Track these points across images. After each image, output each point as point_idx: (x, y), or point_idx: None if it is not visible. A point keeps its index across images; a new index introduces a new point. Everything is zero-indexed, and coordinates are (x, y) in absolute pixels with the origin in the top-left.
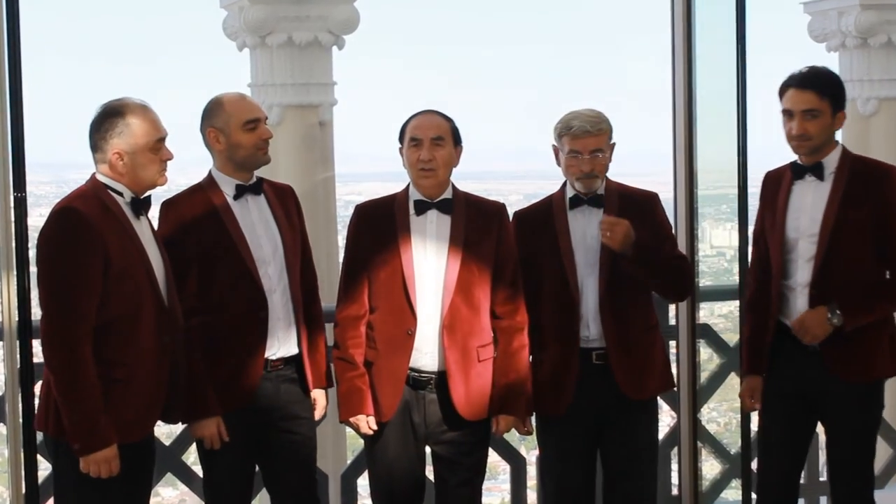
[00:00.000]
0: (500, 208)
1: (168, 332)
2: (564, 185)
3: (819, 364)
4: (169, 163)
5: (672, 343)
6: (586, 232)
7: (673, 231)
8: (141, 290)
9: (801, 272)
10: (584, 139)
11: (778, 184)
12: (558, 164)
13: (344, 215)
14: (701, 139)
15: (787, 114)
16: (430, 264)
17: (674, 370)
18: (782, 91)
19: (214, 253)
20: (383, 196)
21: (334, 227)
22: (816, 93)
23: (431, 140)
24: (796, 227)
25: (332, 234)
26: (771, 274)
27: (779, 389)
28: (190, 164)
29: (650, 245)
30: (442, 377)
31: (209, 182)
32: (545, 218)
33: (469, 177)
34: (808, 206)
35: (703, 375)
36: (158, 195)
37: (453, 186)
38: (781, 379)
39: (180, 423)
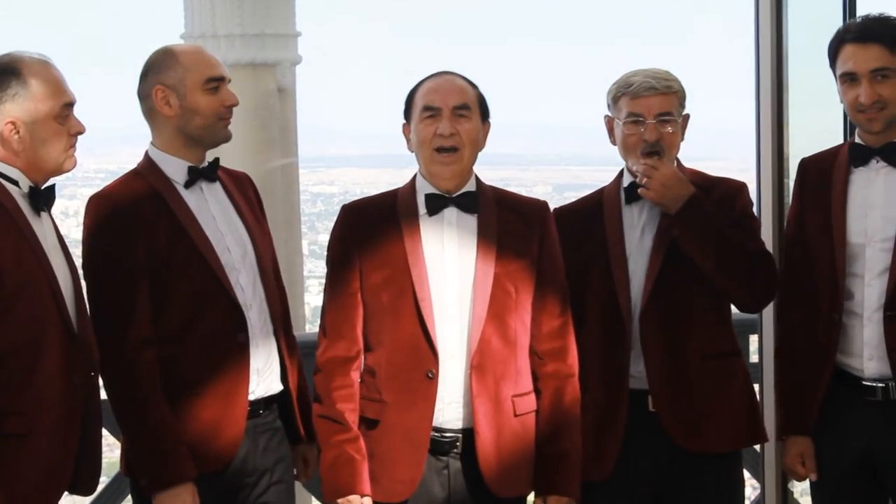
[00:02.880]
0: (542, 209)
1: (79, 370)
2: (621, 173)
3: (891, 420)
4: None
5: (755, 387)
6: (646, 234)
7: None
8: (44, 314)
9: (870, 290)
10: (648, 99)
11: (827, 173)
12: (613, 141)
13: (311, 212)
14: (793, 114)
15: (848, 78)
16: (450, 281)
17: None
18: (835, 50)
19: (171, 259)
20: (379, 193)
21: (297, 227)
22: (884, 46)
23: (453, 109)
24: (862, 231)
25: (295, 238)
26: (818, 296)
27: (836, 457)
28: (99, 143)
29: (708, 207)
30: (469, 437)
31: (149, 166)
32: (593, 216)
33: (479, 161)
34: (879, 200)
35: None
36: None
37: (477, 177)
38: (839, 442)
39: (91, 495)
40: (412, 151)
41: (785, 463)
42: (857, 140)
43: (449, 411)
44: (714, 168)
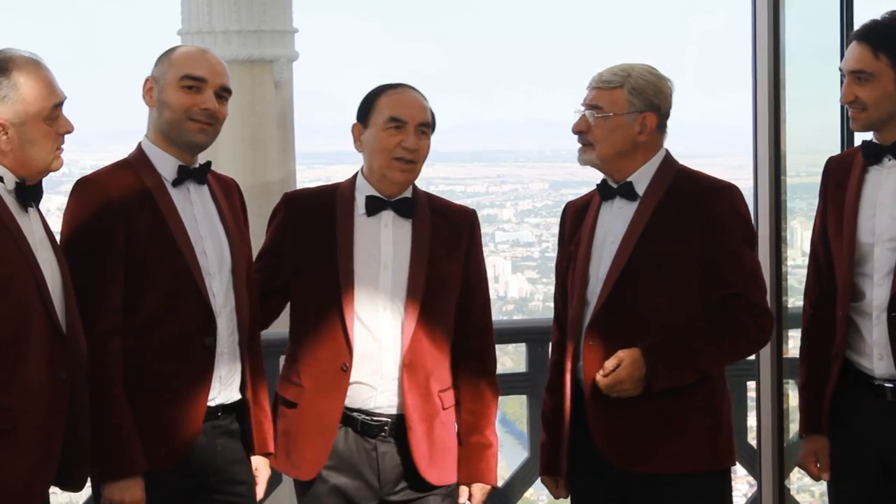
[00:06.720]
0: (470, 216)
1: (65, 365)
2: None
3: None
4: (68, 137)
5: (751, 384)
6: (608, 234)
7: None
8: (28, 309)
9: (879, 290)
10: (588, 92)
11: (846, 172)
12: None
13: None
14: (790, 112)
15: (842, 75)
16: (383, 282)
17: (752, 422)
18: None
19: (149, 252)
20: (321, 186)
21: None
22: (871, 48)
23: (417, 126)
24: (871, 230)
25: None
26: (834, 295)
27: (850, 457)
28: (95, 139)
29: (670, 362)
30: (401, 422)
31: (140, 158)
32: (584, 212)
33: (474, 158)
34: (888, 200)
35: (793, 428)
36: (53, 181)
37: (414, 184)
38: (853, 442)
39: (83, 490)
40: (360, 151)
41: (799, 461)
42: (872, 138)
43: (383, 398)
44: (711, 165)
